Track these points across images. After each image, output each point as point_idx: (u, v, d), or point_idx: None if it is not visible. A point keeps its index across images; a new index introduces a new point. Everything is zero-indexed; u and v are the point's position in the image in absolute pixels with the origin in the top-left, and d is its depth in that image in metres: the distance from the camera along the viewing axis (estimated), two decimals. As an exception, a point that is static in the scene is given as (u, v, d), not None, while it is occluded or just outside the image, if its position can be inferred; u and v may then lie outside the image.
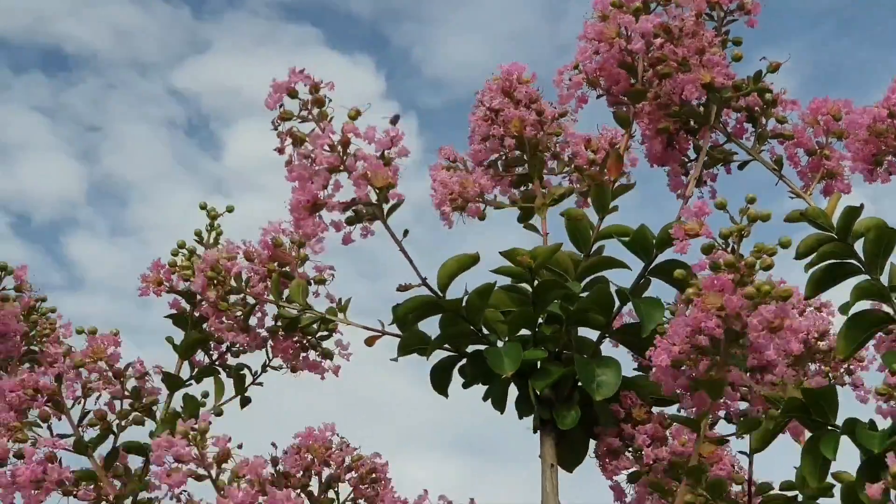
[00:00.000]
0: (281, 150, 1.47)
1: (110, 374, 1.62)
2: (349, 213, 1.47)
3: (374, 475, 1.52)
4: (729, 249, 1.30)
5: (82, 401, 1.60)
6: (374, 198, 1.46)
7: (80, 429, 1.59)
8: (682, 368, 1.35)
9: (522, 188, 1.67)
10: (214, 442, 1.27)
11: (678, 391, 1.39)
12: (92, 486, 1.57)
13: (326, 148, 1.42)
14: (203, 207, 1.84)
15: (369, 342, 1.62)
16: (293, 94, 1.45)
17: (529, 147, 1.62)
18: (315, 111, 1.44)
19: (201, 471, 1.26)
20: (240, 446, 1.28)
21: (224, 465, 1.27)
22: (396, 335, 1.59)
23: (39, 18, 7.90)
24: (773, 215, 1.31)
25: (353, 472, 1.50)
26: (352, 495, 1.50)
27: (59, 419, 1.58)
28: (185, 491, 1.26)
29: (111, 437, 1.63)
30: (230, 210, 1.84)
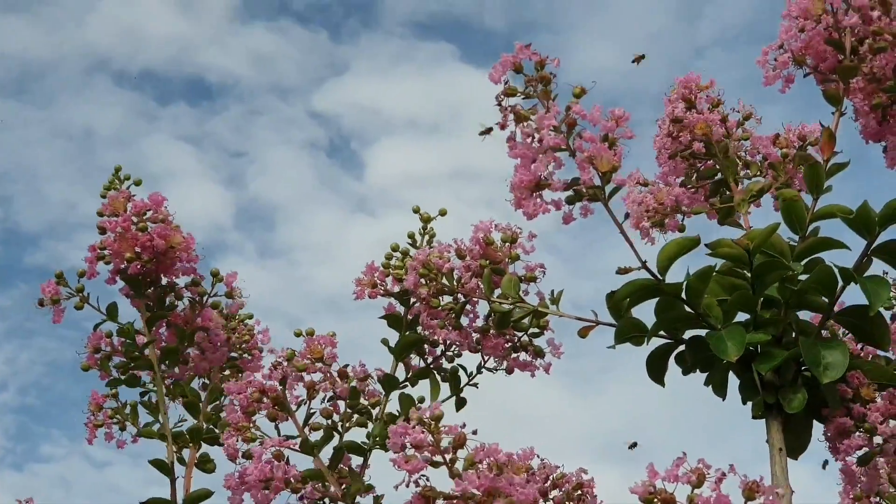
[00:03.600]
0: (503, 126, 1.39)
1: (335, 374, 1.56)
2: (569, 192, 1.38)
3: (580, 491, 1.40)
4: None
5: (307, 402, 1.55)
6: (597, 181, 1.36)
7: (305, 429, 1.53)
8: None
9: (717, 197, 1.55)
10: (447, 430, 1.19)
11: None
12: (319, 485, 1.51)
13: (552, 129, 1.34)
14: (416, 211, 1.77)
15: (583, 333, 1.52)
16: (518, 69, 1.38)
17: (720, 150, 1.50)
18: (539, 88, 1.36)
19: (436, 457, 1.18)
20: (474, 432, 1.19)
21: (459, 451, 1.19)
22: (610, 324, 1.49)
23: (183, 50, 8.05)
24: None
25: (558, 490, 1.39)
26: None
27: (285, 420, 1.53)
28: (423, 476, 1.18)
29: (335, 437, 1.57)
30: (443, 213, 1.77)
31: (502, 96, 1.38)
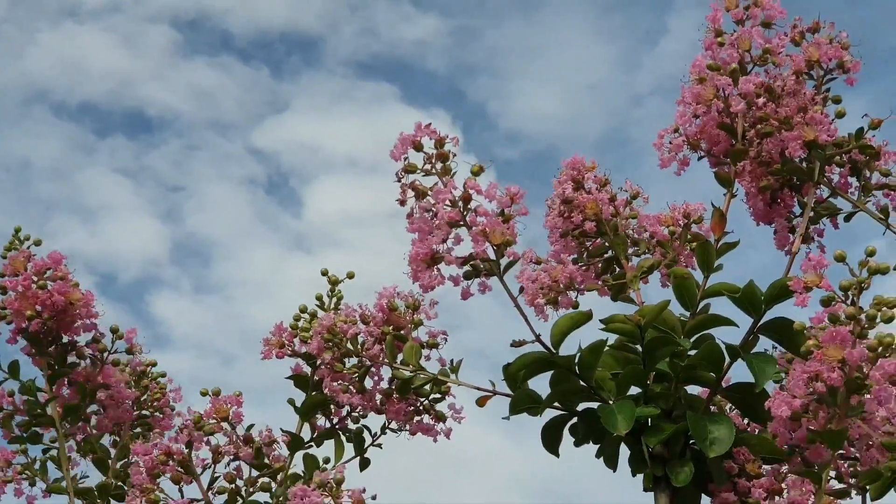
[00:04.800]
0: (402, 202, 1.40)
1: (240, 439, 1.55)
2: (466, 268, 1.39)
3: None
4: (849, 302, 1.20)
5: (212, 466, 1.54)
6: (491, 254, 1.38)
7: (209, 493, 1.52)
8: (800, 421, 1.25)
9: (609, 274, 1.56)
10: (349, 494, 1.19)
11: (793, 445, 1.29)
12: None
13: (448, 203, 1.35)
14: (324, 274, 1.77)
15: (480, 402, 1.53)
16: (418, 148, 1.39)
17: (609, 228, 1.51)
18: (439, 165, 1.38)
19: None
20: (374, 497, 1.20)
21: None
22: (507, 394, 1.49)
23: (123, 83, 7.95)
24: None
25: None
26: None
27: (189, 483, 1.51)
28: None
29: (239, 501, 1.56)
30: (351, 276, 1.77)
31: (402, 173, 1.39)
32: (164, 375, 1.86)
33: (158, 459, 1.50)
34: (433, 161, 1.39)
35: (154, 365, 1.86)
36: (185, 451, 1.51)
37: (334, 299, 1.78)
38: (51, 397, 1.69)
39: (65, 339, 1.71)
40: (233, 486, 1.54)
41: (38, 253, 1.70)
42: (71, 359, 1.72)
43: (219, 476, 1.55)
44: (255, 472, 1.59)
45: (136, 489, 1.49)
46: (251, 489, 1.57)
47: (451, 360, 1.55)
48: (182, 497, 1.51)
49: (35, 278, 1.67)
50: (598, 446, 1.47)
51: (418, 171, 1.40)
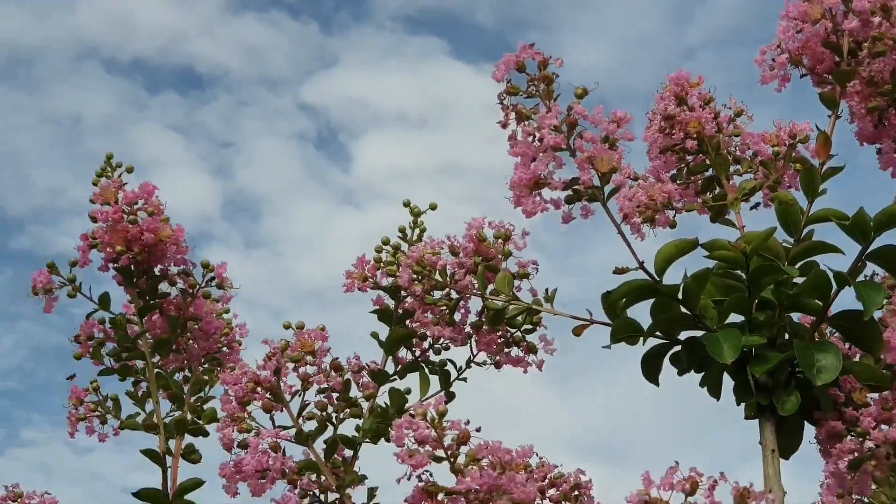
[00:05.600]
0: (504, 124, 1.36)
1: (329, 367, 1.52)
2: (568, 192, 1.34)
3: (577, 492, 1.39)
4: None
5: (302, 394, 1.51)
6: (596, 181, 1.33)
7: (299, 420, 1.49)
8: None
9: (709, 193, 1.51)
10: (451, 425, 1.16)
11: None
12: (314, 476, 1.47)
13: (553, 128, 1.30)
14: (406, 205, 1.73)
15: (577, 331, 1.49)
16: (521, 68, 1.34)
17: (712, 147, 1.46)
18: (542, 87, 1.32)
19: (439, 453, 1.15)
20: (478, 429, 1.17)
21: (462, 448, 1.16)
22: (605, 324, 1.45)
23: (173, 40, 7.89)
24: None
25: (555, 489, 1.37)
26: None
27: (280, 411, 1.49)
28: (427, 471, 1.15)
29: (329, 428, 1.54)
30: (433, 207, 1.73)
31: (504, 95, 1.35)
32: (228, 311, 1.84)
33: (248, 387, 1.47)
34: (536, 83, 1.34)
35: (217, 301, 1.83)
36: (273, 378, 1.48)
37: (417, 230, 1.74)
38: (142, 331, 1.67)
39: (156, 270, 1.68)
40: (323, 413, 1.52)
41: (130, 182, 1.68)
42: (162, 287, 1.69)
43: (309, 403, 1.52)
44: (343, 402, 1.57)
45: (228, 417, 1.47)
46: (341, 416, 1.55)
47: (546, 290, 1.51)
48: (273, 425, 1.48)
49: (126, 209, 1.63)
50: (701, 375, 1.43)
51: (520, 94, 1.35)
